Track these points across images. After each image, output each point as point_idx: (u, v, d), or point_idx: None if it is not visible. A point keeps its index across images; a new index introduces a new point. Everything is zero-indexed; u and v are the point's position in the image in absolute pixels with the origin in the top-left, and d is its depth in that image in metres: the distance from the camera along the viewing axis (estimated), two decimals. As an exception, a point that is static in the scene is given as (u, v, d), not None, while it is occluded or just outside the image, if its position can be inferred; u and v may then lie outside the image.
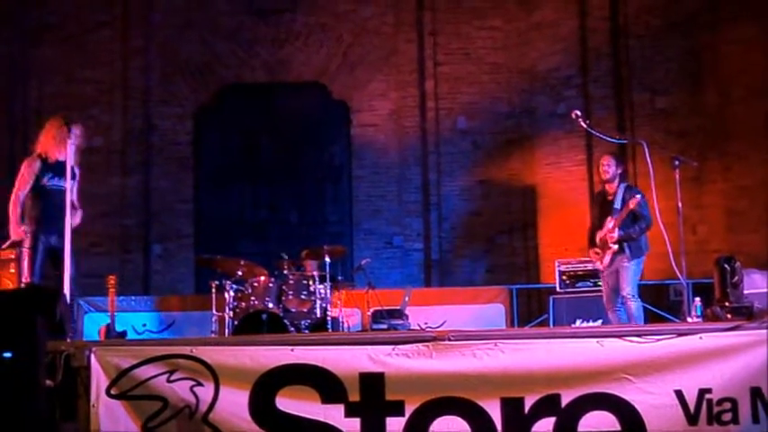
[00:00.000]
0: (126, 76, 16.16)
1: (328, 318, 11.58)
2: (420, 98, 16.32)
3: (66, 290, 8.86)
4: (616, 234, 10.51)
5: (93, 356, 7.11)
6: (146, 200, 15.96)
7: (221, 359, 7.18)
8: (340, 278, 12.27)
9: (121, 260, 15.51)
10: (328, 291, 11.71)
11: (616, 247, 10.53)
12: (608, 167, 10.79)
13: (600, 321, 11.71)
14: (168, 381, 7.09)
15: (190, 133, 16.22)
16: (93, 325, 12.77)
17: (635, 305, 10.35)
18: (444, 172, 16.16)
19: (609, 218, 10.61)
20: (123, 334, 11.51)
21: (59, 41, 15.98)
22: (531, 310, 14.41)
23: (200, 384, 7.08)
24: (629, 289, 10.43)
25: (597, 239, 10.73)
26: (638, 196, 10.56)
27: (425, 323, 12.84)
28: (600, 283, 11.39)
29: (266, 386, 7.11)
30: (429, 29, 16.40)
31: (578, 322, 12.20)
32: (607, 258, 10.59)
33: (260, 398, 7.09)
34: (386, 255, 15.83)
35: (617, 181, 10.73)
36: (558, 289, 12.97)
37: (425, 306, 13.42)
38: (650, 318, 12.01)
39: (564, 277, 12.93)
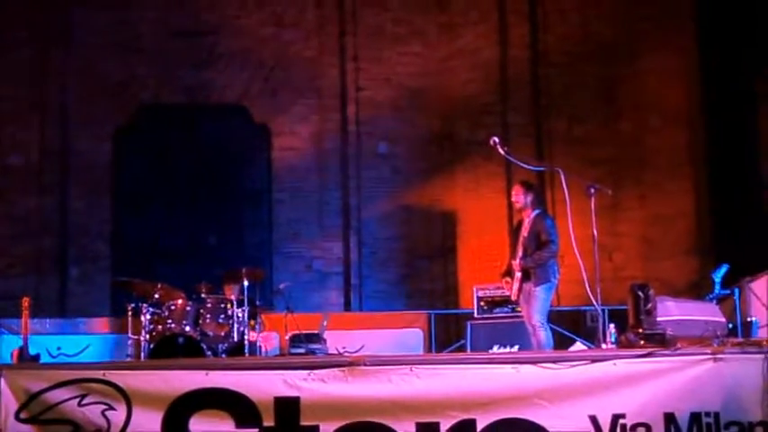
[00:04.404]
0: (44, 94, 15.92)
1: (246, 342, 11.51)
2: (341, 122, 16.30)
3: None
4: (518, 261, 10.54)
5: (2, 380, 7.03)
6: (63, 221, 15.73)
7: (134, 383, 7.13)
8: (258, 302, 12.21)
9: (37, 282, 15.24)
10: (246, 315, 11.63)
11: (520, 274, 10.54)
12: (516, 196, 10.83)
13: (517, 347, 11.75)
14: (79, 404, 7.03)
15: (108, 154, 16.03)
16: (6, 348, 12.57)
17: (543, 334, 10.24)
18: (365, 197, 16.15)
19: (519, 245, 10.65)
20: (37, 357, 11.35)
21: (-23, 58, 15.75)
22: (450, 336, 14.42)
23: (111, 408, 7.03)
24: (536, 317, 10.29)
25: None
26: (547, 221, 10.61)
27: (343, 348, 12.82)
28: (518, 309, 11.43)
29: (180, 410, 7.08)
30: (351, 54, 16.41)
31: (495, 348, 12.22)
32: (515, 286, 10.55)
33: (173, 422, 7.06)
34: (305, 278, 15.76)
35: (530, 209, 10.74)
36: (475, 314, 12.99)
37: (344, 330, 13.39)
38: (566, 343, 12.09)
39: (482, 303, 12.95)
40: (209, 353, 11.08)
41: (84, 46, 16.12)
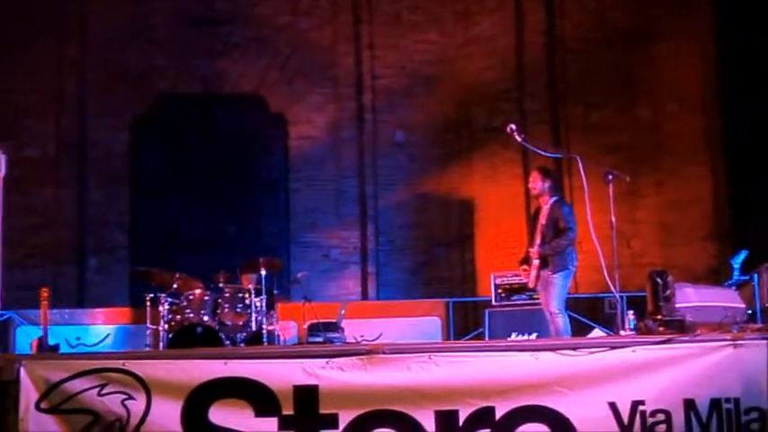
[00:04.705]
0: (62, 86, 15.95)
1: (264, 331, 11.52)
2: (357, 111, 16.32)
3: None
4: (536, 249, 10.53)
5: (23, 370, 7.05)
6: (81, 212, 15.78)
7: (153, 372, 7.15)
8: (276, 291, 12.22)
9: (55, 273, 15.30)
10: (264, 304, 11.65)
11: (538, 262, 10.53)
12: (533, 183, 10.79)
13: (535, 335, 11.74)
14: (99, 394, 7.05)
15: (126, 145, 16.06)
16: (25, 338, 12.62)
17: (561, 321, 10.22)
18: (381, 185, 16.16)
19: (537, 233, 10.64)
20: (56, 347, 11.37)
21: (-7, 50, 15.78)
22: (468, 324, 14.43)
23: (131, 398, 7.04)
24: (554, 304, 10.29)
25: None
26: (565, 208, 10.60)
27: (361, 336, 12.81)
28: (536, 297, 11.42)
29: (199, 399, 7.10)
30: (367, 42, 16.41)
31: (514, 335, 12.20)
32: (533, 274, 10.54)
33: (192, 411, 7.07)
34: (322, 268, 15.78)
35: (547, 196, 10.72)
36: (493, 302, 12.97)
37: (362, 319, 13.39)
38: (584, 331, 12.07)
39: (500, 290, 12.93)
40: (227, 342, 11.12)
41: (101, 37, 16.14)
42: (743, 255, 11.27)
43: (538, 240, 10.55)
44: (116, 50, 16.18)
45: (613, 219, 9.95)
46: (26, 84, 15.76)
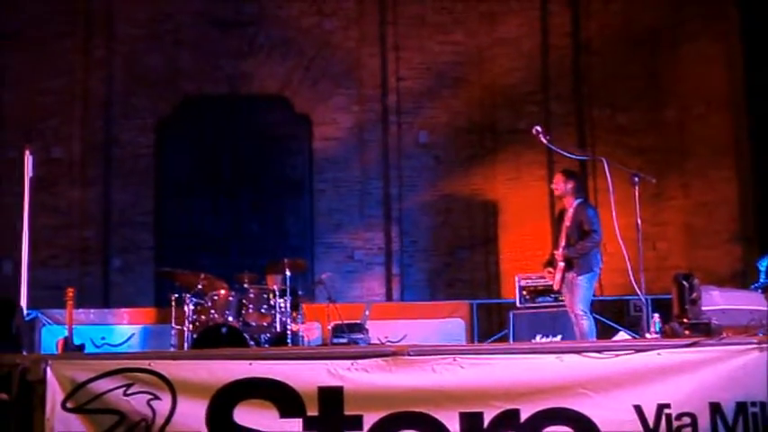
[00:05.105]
0: (87, 86, 16.02)
1: (288, 332, 11.54)
2: (382, 112, 16.32)
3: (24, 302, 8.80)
4: (560, 251, 10.52)
5: (49, 370, 7.06)
6: (106, 212, 15.84)
7: (179, 373, 7.15)
8: (300, 292, 12.25)
9: (81, 272, 15.38)
10: (288, 305, 11.66)
11: (563, 264, 10.51)
12: (556, 184, 10.81)
13: (560, 337, 11.73)
14: (125, 394, 7.06)
15: (151, 145, 16.11)
16: (51, 338, 12.69)
17: (586, 324, 10.23)
18: (406, 186, 16.16)
19: (562, 235, 10.62)
20: (81, 347, 11.43)
21: (20, 51, 15.81)
22: (492, 325, 14.42)
23: (156, 398, 7.05)
24: (579, 306, 10.30)
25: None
26: (589, 210, 10.59)
27: (386, 337, 12.85)
28: (561, 299, 11.40)
29: (224, 400, 7.10)
30: (392, 43, 16.41)
31: (538, 337, 12.20)
32: (558, 276, 10.53)
33: (217, 412, 7.07)
34: (347, 269, 15.79)
35: (571, 197, 10.71)
36: (518, 304, 12.96)
37: (386, 320, 13.42)
38: (609, 333, 12.05)
39: (524, 292, 12.92)
40: (251, 343, 11.13)
41: (127, 38, 16.21)
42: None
43: (562, 242, 10.54)
44: (141, 51, 16.26)
45: (639, 221, 9.92)
46: (52, 85, 15.85)
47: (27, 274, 9.30)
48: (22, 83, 15.77)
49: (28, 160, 9.63)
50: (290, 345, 11.33)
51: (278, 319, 11.54)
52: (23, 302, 8.95)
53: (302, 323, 12.05)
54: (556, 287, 10.71)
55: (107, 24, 16.17)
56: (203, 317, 11.47)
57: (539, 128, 10.74)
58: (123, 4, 16.22)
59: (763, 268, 11.20)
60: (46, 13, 15.97)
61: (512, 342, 12.22)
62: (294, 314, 11.83)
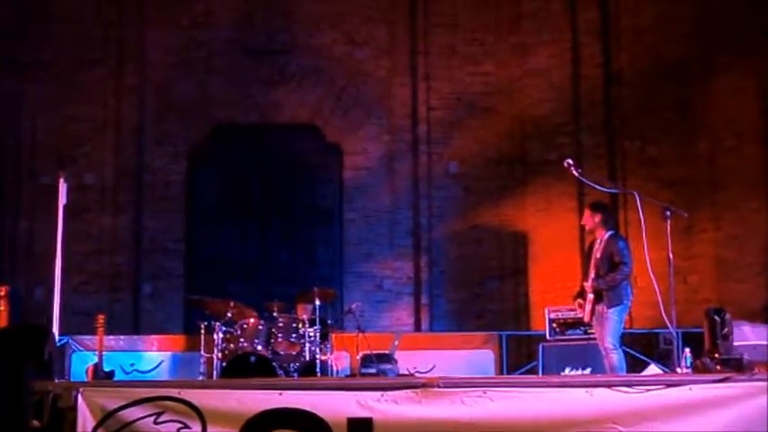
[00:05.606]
0: (119, 114, 16.11)
1: (317, 361, 11.55)
2: (412, 142, 16.33)
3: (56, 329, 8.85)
4: (590, 283, 10.50)
5: (80, 397, 7.10)
6: (137, 238, 15.90)
7: (209, 402, 7.18)
8: (330, 321, 12.26)
9: (111, 299, 15.42)
10: (317, 334, 11.67)
11: (592, 296, 10.48)
12: (585, 219, 10.87)
13: (589, 369, 11.68)
14: (155, 423, 7.09)
15: (183, 173, 16.17)
16: (80, 364, 12.75)
17: (615, 357, 10.19)
18: (435, 216, 16.14)
19: (592, 267, 10.60)
20: (111, 374, 11.49)
21: (53, 78, 15.92)
22: (521, 357, 14.38)
23: (186, 427, 7.08)
24: (609, 339, 10.26)
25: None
26: (620, 243, 10.57)
27: (414, 368, 12.83)
28: (590, 331, 11.37)
29: (254, 430, 7.11)
30: (422, 73, 16.44)
31: (567, 370, 12.16)
32: (588, 308, 10.51)
33: (248, 442, 7.09)
34: (376, 298, 15.79)
35: (602, 230, 10.69)
36: (547, 336, 12.92)
37: (415, 351, 13.41)
38: (639, 366, 11.99)
39: (554, 325, 12.87)
40: (280, 372, 11.15)
41: (159, 65, 16.31)
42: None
43: (592, 274, 10.52)
44: (173, 79, 16.34)
45: (670, 254, 9.89)
46: (83, 111, 15.95)
47: (60, 300, 9.34)
48: (54, 110, 15.87)
49: (63, 188, 9.68)
50: (318, 374, 11.33)
51: (307, 349, 11.56)
52: (55, 329, 8.99)
53: (331, 353, 12.06)
54: (586, 319, 10.69)
55: (139, 52, 16.27)
56: (232, 345, 11.51)
57: (570, 160, 10.75)
58: (155, 32, 16.31)
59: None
60: (78, 40, 16.08)
61: (541, 375, 12.19)
62: (323, 344, 11.85)
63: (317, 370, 11.47)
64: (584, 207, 11.28)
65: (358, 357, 12.22)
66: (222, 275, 15.66)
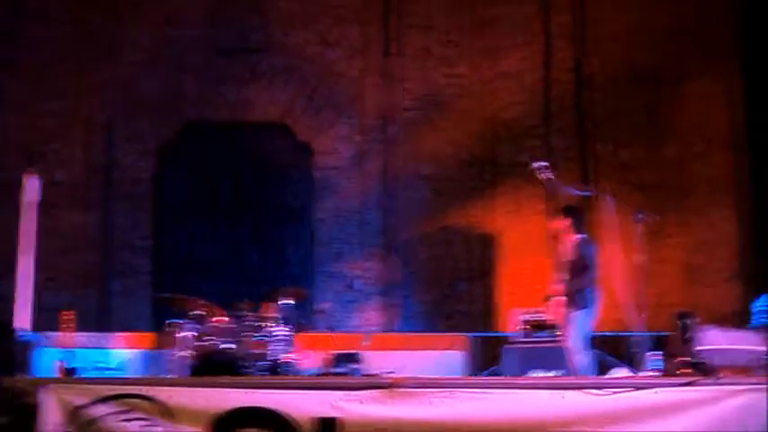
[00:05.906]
0: (89, 110, 16.04)
1: (284, 360, 11.52)
2: (384, 143, 16.34)
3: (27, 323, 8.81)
4: (558, 286, 10.54)
5: (47, 393, 7.06)
6: (105, 236, 15.83)
7: (176, 400, 7.16)
8: (300, 321, 12.23)
9: (79, 296, 15.33)
10: (286, 333, 11.65)
11: (561, 299, 10.53)
12: (555, 224, 10.95)
13: (556, 372, 11.68)
14: (122, 420, 7.06)
15: (151, 170, 16.13)
16: (48, 360, 12.65)
17: (581, 359, 10.28)
18: (405, 217, 16.16)
19: (561, 269, 10.64)
20: (78, 371, 11.42)
21: (21, 74, 15.85)
22: (489, 359, 14.38)
23: (154, 424, 7.06)
24: (575, 341, 10.36)
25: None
26: (588, 247, 10.61)
27: (384, 369, 12.80)
28: (559, 334, 11.39)
29: (221, 428, 7.11)
30: (395, 74, 16.45)
31: (532, 372, 12.16)
32: (556, 310, 10.57)
33: (214, 440, 7.07)
34: (346, 298, 15.78)
35: (572, 233, 10.74)
36: (514, 338, 12.92)
37: (384, 351, 13.37)
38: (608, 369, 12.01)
39: (522, 326, 12.90)
40: (249, 371, 11.11)
41: (129, 62, 16.25)
42: (763, 299, 11.22)
43: (561, 277, 10.55)
44: (144, 76, 16.27)
45: (641, 258, 9.93)
46: (53, 107, 15.86)
47: (32, 296, 9.29)
48: (23, 106, 15.78)
49: (35, 184, 9.62)
50: (286, 374, 11.30)
51: (275, 348, 11.53)
52: (23, 324, 8.94)
53: (297, 352, 12.02)
54: (554, 322, 10.73)
55: (110, 48, 16.20)
56: (201, 343, 11.46)
57: (541, 163, 10.78)
58: (126, 29, 16.25)
59: (755, 310, 11.20)
60: (48, 36, 16.00)
61: (509, 376, 12.18)
62: (291, 343, 11.82)
63: (284, 369, 11.43)
64: (554, 210, 11.29)
65: (326, 357, 12.20)
66: (192, 273, 15.59)
